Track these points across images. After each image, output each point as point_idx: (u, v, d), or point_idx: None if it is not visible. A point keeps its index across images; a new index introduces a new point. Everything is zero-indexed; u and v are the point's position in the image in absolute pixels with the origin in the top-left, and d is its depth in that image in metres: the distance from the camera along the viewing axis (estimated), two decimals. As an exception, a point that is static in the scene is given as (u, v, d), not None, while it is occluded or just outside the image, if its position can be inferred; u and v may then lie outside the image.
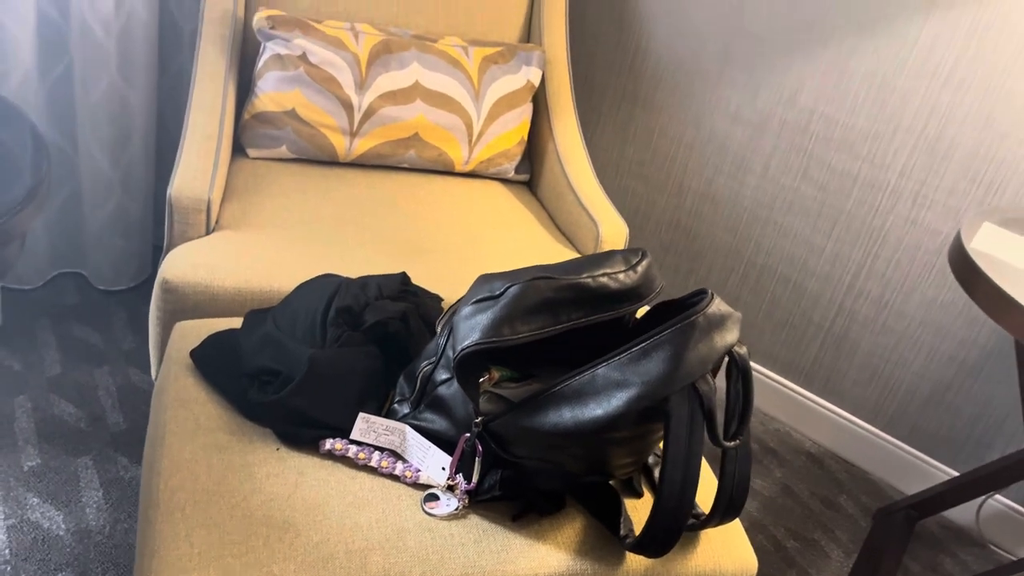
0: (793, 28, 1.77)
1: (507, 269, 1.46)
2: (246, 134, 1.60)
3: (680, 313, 0.87)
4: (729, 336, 0.84)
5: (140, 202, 1.87)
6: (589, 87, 2.11)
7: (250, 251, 1.32)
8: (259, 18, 1.56)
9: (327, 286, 1.15)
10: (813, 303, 1.90)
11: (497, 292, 0.89)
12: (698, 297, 0.87)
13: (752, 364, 2.03)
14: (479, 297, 0.90)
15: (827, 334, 1.90)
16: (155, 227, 2.02)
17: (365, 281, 1.16)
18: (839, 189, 1.79)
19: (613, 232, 1.54)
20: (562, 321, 0.89)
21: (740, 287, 1.99)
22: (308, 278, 1.29)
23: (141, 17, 1.70)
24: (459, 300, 1.01)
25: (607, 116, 2.10)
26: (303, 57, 1.55)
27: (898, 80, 1.67)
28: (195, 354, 1.10)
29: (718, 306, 0.84)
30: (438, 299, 1.23)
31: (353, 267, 1.33)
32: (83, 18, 1.64)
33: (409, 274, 1.35)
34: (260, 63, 1.59)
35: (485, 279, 0.97)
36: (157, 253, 2.02)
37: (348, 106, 1.58)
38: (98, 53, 1.68)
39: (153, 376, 1.36)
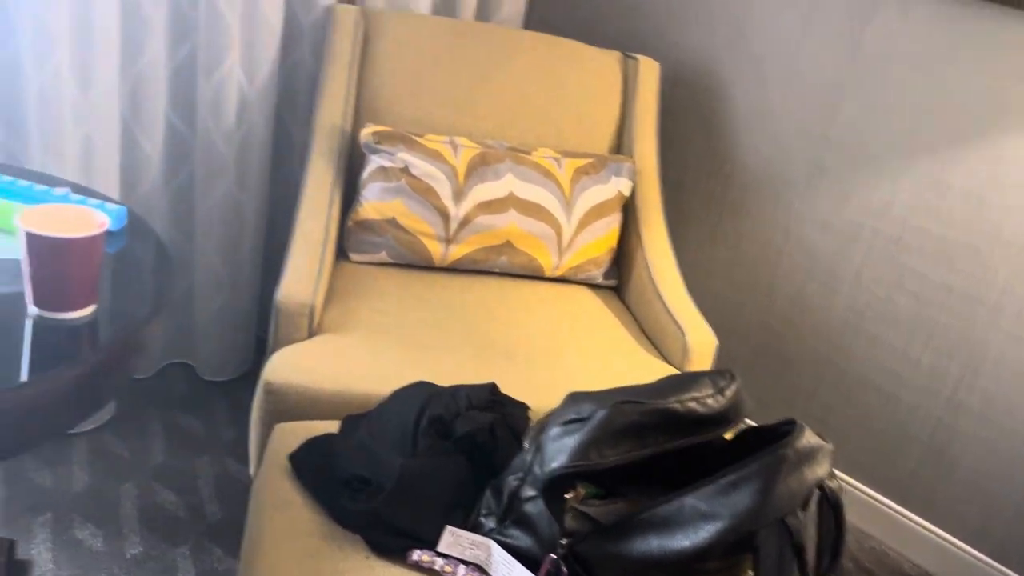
0: (886, 140, 1.78)
1: (593, 377, 1.48)
2: (350, 239, 1.69)
3: (769, 441, 0.87)
4: (820, 470, 0.84)
5: (246, 298, 1.98)
6: (678, 190, 2.15)
7: (349, 355, 1.38)
8: (366, 133, 1.66)
9: (420, 395, 1.19)
10: (910, 415, 1.84)
11: (585, 415, 0.91)
12: (787, 427, 0.87)
13: (844, 477, 1.96)
14: (567, 419, 0.92)
15: (926, 448, 1.83)
16: (259, 321, 2.12)
17: (455, 391, 1.19)
18: (935, 301, 1.75)
19: (701, 343, 1.54)
20: (649, 445, 0.90)
21: (831, 395, 1.95)
22: (402, 383, 1.34)
23: (258, 129, 1.84)
24: (547, 416, 1.04)
25: (695, 219, 2.13)
26: (405, 170, 1.64)
27: (996, 195, 1.64)
28: (293, 458, 1.15)
29: (808, 438, 0.84)
30: (525, 408, 1.25)
31: (445, 372, 1.37)
32: (207, 131, 1.78)
33: (498, 380, 1.38)
34: (365, 174, 1.69)
35: (573, 399, 0.99)
36: (260, 345, 2.13)
37: (445, 215, 1.65)
38: (218, 162, 1.82)
39: (251, 472, 1.42)
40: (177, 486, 1.68)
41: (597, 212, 1.74)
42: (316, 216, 1.60)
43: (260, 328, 2.14)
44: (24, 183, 1.12)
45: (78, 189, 1.20)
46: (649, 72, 1.94)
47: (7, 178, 1.12)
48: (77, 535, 1.52)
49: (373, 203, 1.66)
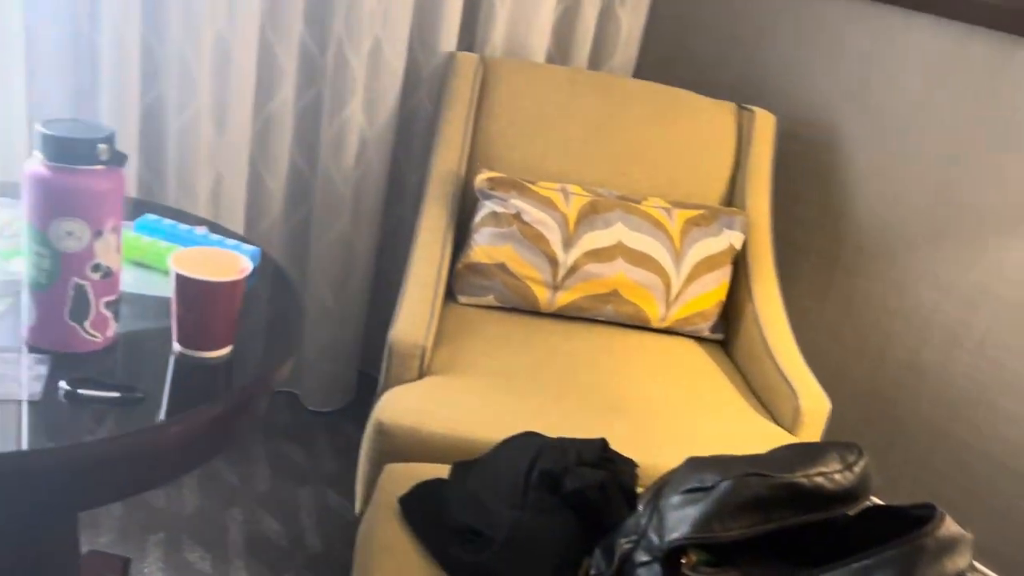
0: (1018, 200, 1.70)
1: (702, 436, 1.45)
2: (459, 282, 1.72)
3: (900, 523, 0.83)
4: (961, 561, 0.79)
5: (352, 332, 2.03)
6: (788, 245, 2.11)
7: (458, 399, 1.39)
8: (480, 179, 1.69)
9: (530, 446, 1.19)
10: (1035, 495, 1.73)
11: (708, 484, 0.89)
12: (924, 512, 0.84)
13: (960, 553, 1.86)
14: (689, 487, 0.91)
15: (1051, 531, 1.72)
16: (363, 354, 2.17)
17: (566, 445, 1.19)
18: (1068, 374, 1.65)
19: (814, 407, 1.50)
20: (773, 520, 0.88)
21: (948, 467, 1.86)
22: (510, 429, 1.34)
23: (375, 170, 1.90)
24: (663, 479, 1.02)
25: (805, 275, 2.08)
26: (517, 216, 1.66)
27: None
28: (403, 501, 1.16)
29: (948, 527, 0.80)
30: (633, 465, 1.24)
31: (552, 422, 1.37)
32: (327, 170, 1.85)
33: (604, 433, 1.37)
34: (477, 218, 1.71)
35: (694, 466, 0.97)
36: (363, 379, 2.17)
37: (554, 262, 1.66)
38: (335, 200, 1.88)
39: (356, 508, 1.45)
40: (280, 515, 1.72)
41: (707, 265, 1.72)
42: (429, 259, 1.64)
43: (363, 362, 2.19)
44: (169, 222, 1.18)
45: (214, 228, 1.26)
46: (765, 124, 1.91)
47: (153, 217, 1.18)
48: (187, 557, 1.57)
49: (484, 247, 1.69)
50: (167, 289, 1.07)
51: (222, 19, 1.59)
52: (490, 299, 1.71)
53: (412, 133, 1.97)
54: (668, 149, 1.88)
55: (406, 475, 1.24)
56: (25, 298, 0.89)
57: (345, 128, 1.81)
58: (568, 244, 1.67)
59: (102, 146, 0.84)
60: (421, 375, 1.46)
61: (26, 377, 0.85)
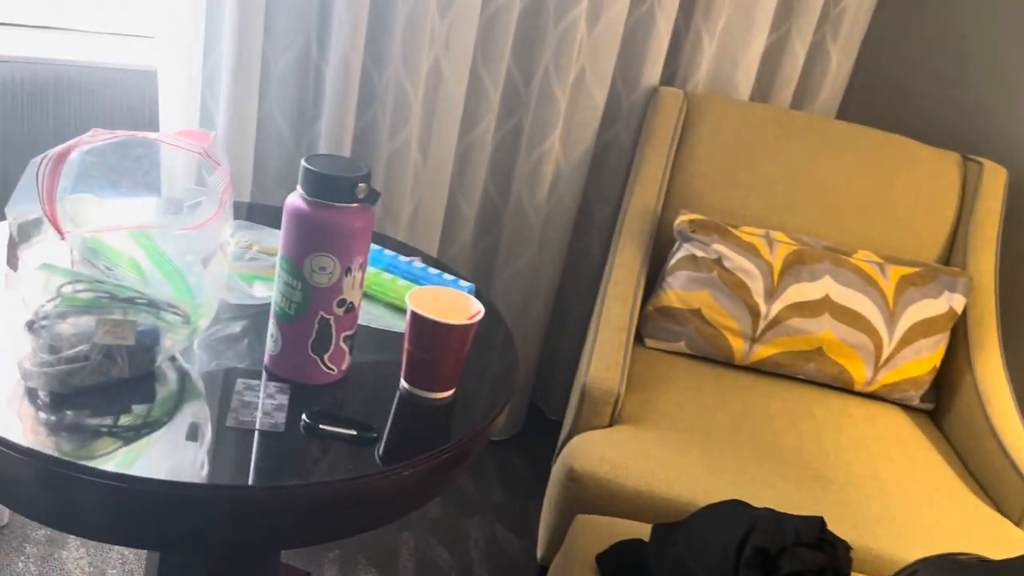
0: None
1: (918, 522, 1.32)
2: (647, 324, 1.66)
3: None
4: None
5: (527, 363, 2.01)
6: (1010, 313, 1.92)
7: (652, 452, 1.33)
8: (682, 221, 1.63)
9: (741, 517, 1.12)
10: None
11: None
12: None
13: None
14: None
15: None
16: (535, 386, 2.15)
17: (782, 521, 1.10)
18: None
19: (1052, 501, 1.34)
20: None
21: None
22: (709, 491, 1.27)
23: (566, 202, 1.87)
24: (904, 571, 0.93)
25: None
26: (718, 261, 1.59)
27: None
28: (601, 560, 1.11)
29: None
30: (848, 548, 1.14)
31: (753, 488, 1.29)
32: (520, 201, 1.84)
33: (811, 506, 1.28)
34: (673, 260, 1.65)
35: (945, 569, 0.87)
36: (532, 410, 2.15)
37: (755, 313, 1.58)
38: (524, 231, 1.87)
39: (539, 555, 1.41)
40: (449, 543, 1.71)
41: (924, 328, 1.59)
42: (623, 300, 1.59)
43: (534, 395, 2.16)
44: (389, 253, 1.19)
45: (427, 259, 1.26)
46: (994, 178, 1.75)
47: (374, 246, 1.20)
48: (361, 577, 1.59)
49: (678, 291, 1.62)
50: (390, 323, 1.07)
51: (439, 48, 1.61)
52: (680, 345, 1.64)
53: (604, 167, 1.94)
54: (882, 199, 1.76)
55: (601, 530, 1.19)
56: (271, 327, 0.90)
57: (543, 159, 1.80)
58: (771, 295, 1.58)
59: (361, 185, 0.84)
60: (612, 422, 1.42)
61: (267, 406, 0.87)
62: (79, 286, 0.80)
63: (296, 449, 0.83)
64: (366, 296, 1.12)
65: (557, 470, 1.35)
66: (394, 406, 0.93)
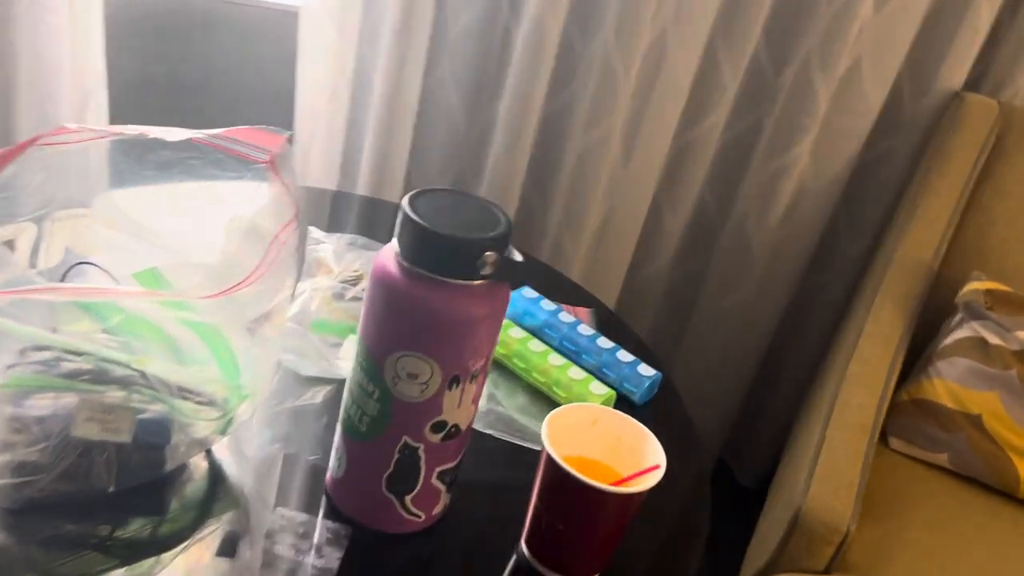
0: None
1: None
2: (896, 418, 1.22)
3: None
4: None
5: (718, 418, 1.62)
6: None
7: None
8: (974, 289, 1.17)
9: None
10: None
11: None
12: None
13: None
14: None
15: None
16: (728, 442, 1.75)
17: None
18: None
19: None
20: None
21: None
22: None
23: (806, 230, 1.47)
24: None
25: None
26: (1020, 356, 1.12)
27: None
28: None
29: None
30: None
31: None
32: (743, 221, 1.45)
33: None
34: (950, 339, 1.19)
35: None
36: (719, 467, 1.76)
37: (1068, 440, 1.09)
38: (744, 260, 1.47)
39: None
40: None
41: None
42: (871, 389, 1.16)
43: (724, 449, 1.77)
44: (549, 305, 0.84)
45: (603, 317, 0.91)
46: None
47: (531, 292, 0.86)
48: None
49: (951, 384, 1.16)
50: (526, 426, 0.73)
51: (667, 17, 1.23)
52: (942, 458, 1.19)
53: (866, 191, 1.47)
54: None
55: None
56: (336, 439, 0.60)
57: (784, 172, 1.38)
58: (1098, 418, 1.09)
59: (489, 253, 0.51)
60: (830, 568, 1.01)
61: (309, 564, 0.56)
62: (46, 355, 0.53)
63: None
64: (499, 368, 0.79)
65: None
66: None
